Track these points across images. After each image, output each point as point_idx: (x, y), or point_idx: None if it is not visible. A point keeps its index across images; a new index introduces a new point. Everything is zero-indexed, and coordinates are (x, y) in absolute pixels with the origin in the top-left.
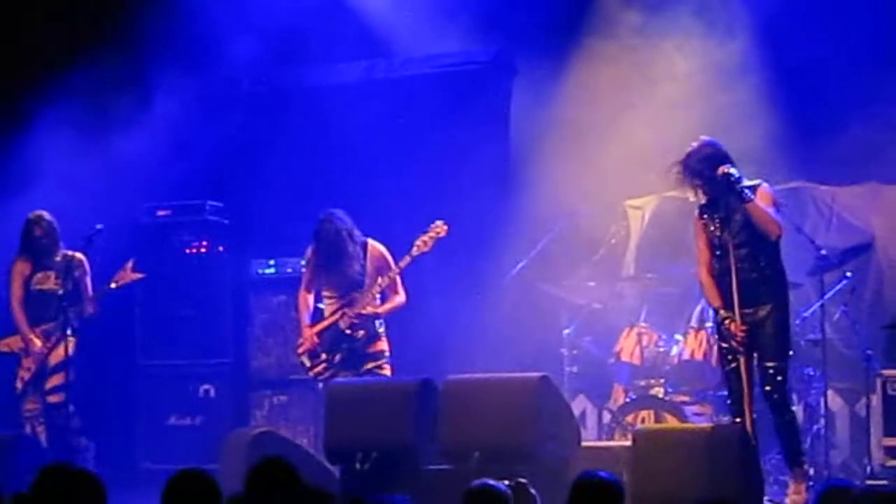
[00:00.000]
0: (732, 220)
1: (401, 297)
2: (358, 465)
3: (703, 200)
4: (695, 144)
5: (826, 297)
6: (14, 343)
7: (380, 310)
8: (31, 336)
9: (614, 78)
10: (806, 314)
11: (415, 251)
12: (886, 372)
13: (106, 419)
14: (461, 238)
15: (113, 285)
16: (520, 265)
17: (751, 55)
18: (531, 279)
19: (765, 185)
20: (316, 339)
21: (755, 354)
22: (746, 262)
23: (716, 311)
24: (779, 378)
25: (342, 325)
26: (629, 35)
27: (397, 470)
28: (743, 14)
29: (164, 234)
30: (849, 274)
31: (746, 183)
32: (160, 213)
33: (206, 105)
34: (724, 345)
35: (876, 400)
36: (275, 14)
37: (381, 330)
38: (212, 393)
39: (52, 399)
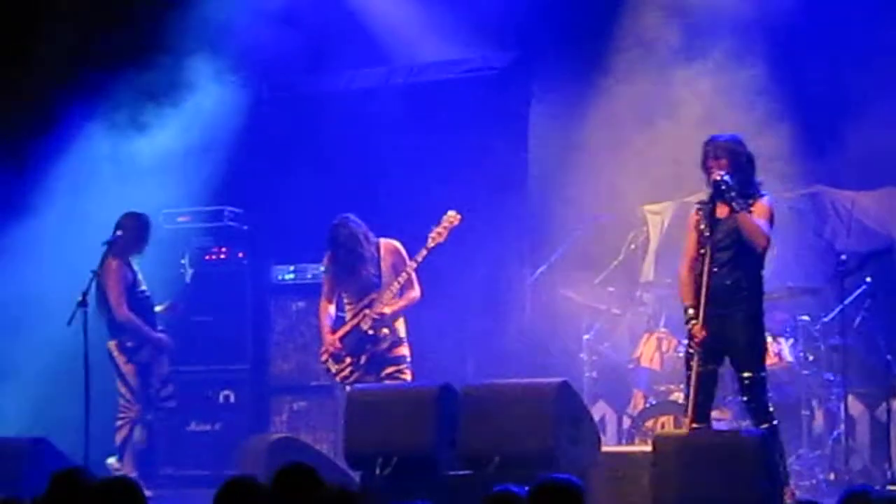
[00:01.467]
0: (722, 224)
1: (416, 293)
2: (378, 471)
3: (704, 196)
4: (725, 134)
5: (846, 302)
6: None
7: (396, 306)
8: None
9: (636, 85)
10: (826, 319)
11: (430, 243)
12: None
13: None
14: (481, 244)
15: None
16: (539, 270)
17: (771, 66)
18: (551, 284)
19: (766, 198)
20: (339, 345)
21: (727, 360)
22: (725, 267)
23: (685, 310)
24: (756, 388)
25: (364, 326)
26: (652, 48)
27: (417, 475)
28: (762, 27)
29: (183, 240)
30: (869, 279)
31: (740, 194)
32: (180, 219)
33: (227, 111)
34: (689, 348)
35: None
36: (297, 21)
37: (403, 335)
38: (231, 399)
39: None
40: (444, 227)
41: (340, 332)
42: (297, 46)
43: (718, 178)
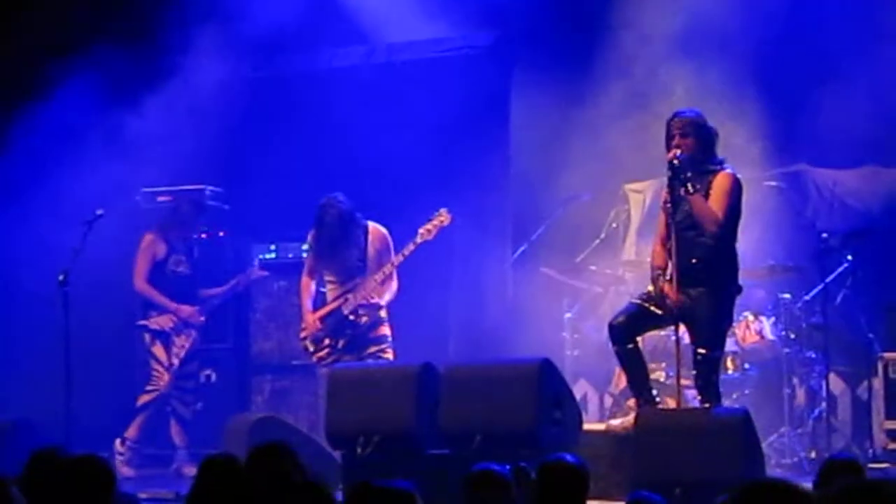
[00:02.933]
0: (683, 203)
1: (394, 285)
2: (359, 450)
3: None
4: (689, 109)
5: (828, 280)
6: (163, 321)
7: (382, 301)
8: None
9: (616, 63)
10: (807, 297)
11: (419, 239)
12: (888, 355)
13: (108, 404)
14: (462, 223)
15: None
16: (520, 249)
17: (751, 44)
18: (532, 263)
19: (727, 171)
20: (319, 325)
21: (687, 337)
22: (687, 245)
23: (652, 268)
24: (706, 366)
25: (345, 310)
26: (634, 32)
27: (399, 454)
28: (742, 11)
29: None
30: (850, 257)
31: (702, 172)
32: (160, 198)
33: (207, 90)
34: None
35: (878, 383)
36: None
37: (384, 315)
38: (213, 378)
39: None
40: (434, 225)
41: (321, 313)
42: (278, 25)
43: (674, 159)
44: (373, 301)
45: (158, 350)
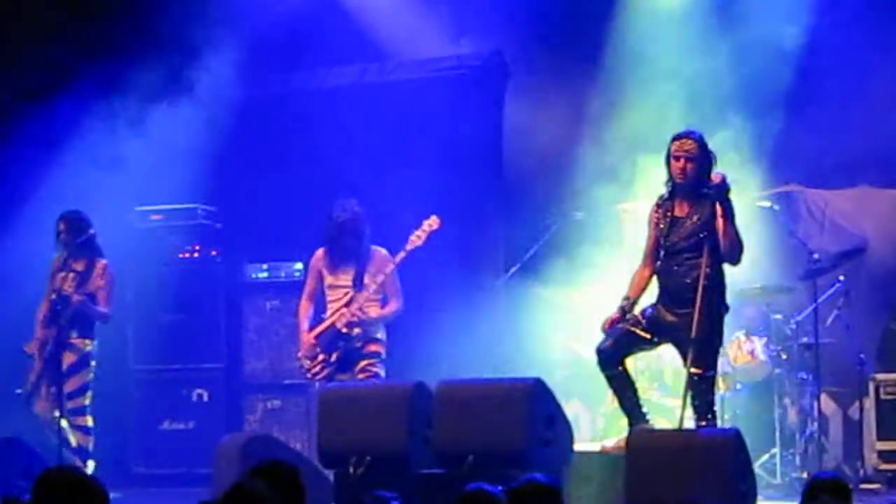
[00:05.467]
0: (681, 222)
1: (397, 304)
2: (352, 470)
3: (664, 191)
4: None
5: (819, 301)
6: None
7: (377, 315)
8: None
9: (608, 83)
10: (799, 318)
11: (409, 246)
12: (880, 376)
13: (99, 423)
14: (454, 242)
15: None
16: (513, 269)
17: (745, 67)
18: (524, 283)
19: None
20: (314, 341)
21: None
22: (684, 266)
23: (625, 298)
24: (702, 385)
25: (339, 324)
26: (629, 53)
27: (391, 474)
28: (734, 29)
29: (156, 238)
30: (842, 278)
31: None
32: (153, 217)
33: (200, 109)
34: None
35: (869, 404)
36: (268, 18)
37: (380, 335)
38: (205, 398)
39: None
40: (424, 231)
41: (317, 331)
42: (270, 45)
43: (724, 181)
44: (366, 316)
45: None
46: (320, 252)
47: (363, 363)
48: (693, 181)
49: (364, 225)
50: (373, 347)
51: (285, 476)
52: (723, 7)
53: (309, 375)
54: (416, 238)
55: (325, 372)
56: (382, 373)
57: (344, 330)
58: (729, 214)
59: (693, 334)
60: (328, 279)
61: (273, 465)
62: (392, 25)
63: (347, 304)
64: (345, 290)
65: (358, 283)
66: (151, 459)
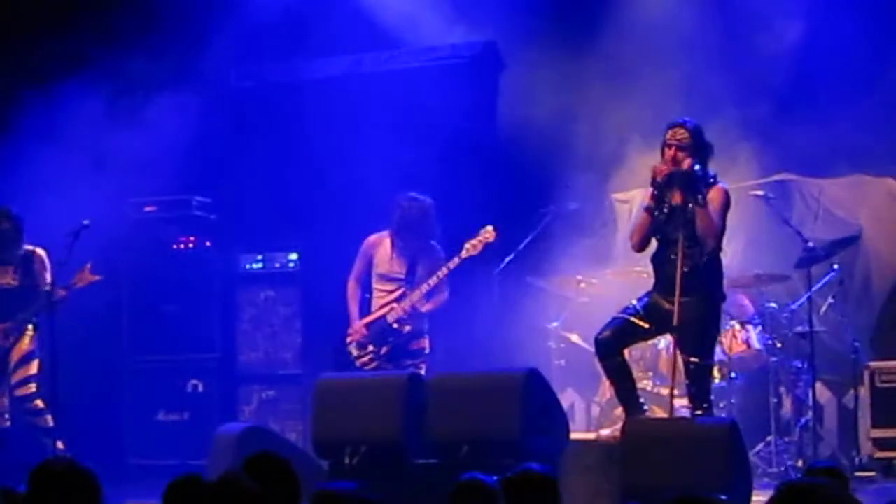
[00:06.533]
0: (677, 212)
1: (445, 295)
2: (347, 460)
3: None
4: (691, 120)
5: (814, 289)
6: None
7: (425, 308)
8: None
9: (601, 74)
10: (794, 307)
11: (464, 254)
12: (874, 364)
13: (93, 415)
14: (448, 232)
15: (73, 285)
16: (507, 259)
17: (739, 53)
18: (519, 273)
19: (719, 185)
20: (365, 331)
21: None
22: (680, 254)
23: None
24: (700, 374)
25: (390, 318)
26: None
27: (386, 464)
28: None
29: (151, 230)
30: (836, 266)
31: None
32: (147, 208)
33: (194, 100)
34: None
35: (864, 392)
36: (262, 9)
37: (425, 328)
38: (200, 388)
39: (20, 392)
40: (480, 241)
41: (367, 319)
42: (264, 35)
43: (690, 167)
44: (418, 311)
45: None
46: (376, 238)
47: (408, 362)
48: (683, 176)
49: (436, 225)
50: (419, 343)
51: (278, 467)
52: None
53: (358, 364)
54: (472, 247)
55: (374, 364)
56: (424, 371)
57: (395, 326)
58: (692, 199)
59: (690, 323)
60: (381, 267)
61: (265, 456)
62: (387, 14)
63: (398, 299)
64: (397, 284)
65: (411, 279)
66: (146, 451)
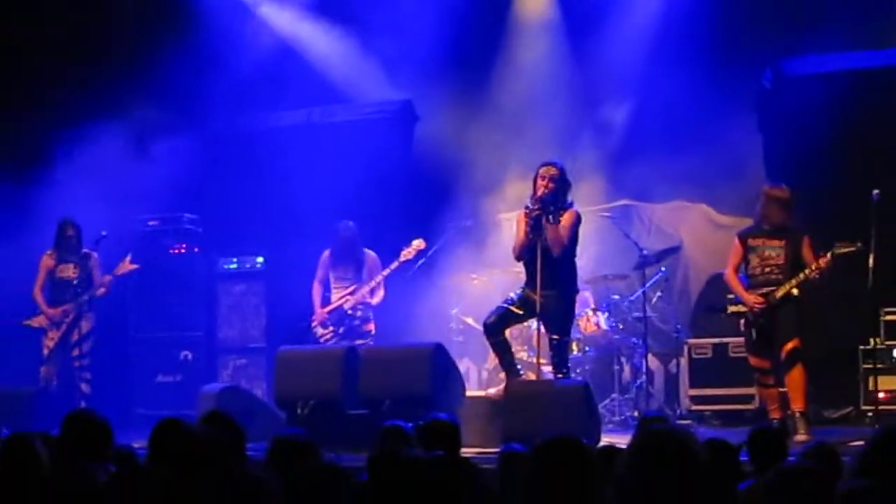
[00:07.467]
0: (543, 229)
1: (381, 293)
2: (299, 411)
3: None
4: (557, 161)
5: (647, 285)
6: (41, 320)
7: (372, 302)
8: (51, 311)
9: (491, 121)
10: (632, 298)
11: (401, 258)
12: (691, 341)
13: (109, 377)
14: (376, 245)
15: (116, 273)
16: (420, 261)
17: (594, 104)
18: (429, 273)
19: (572, 209)
20: (325, 316)
21: (543, 327)
22: (547, 260)
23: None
24: (560, 347)
25: (346, 306)
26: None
27: (329, 414)
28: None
29: (153, 239)
30: (663, 269)
31: (557, 207)
32: (150, 222)
33: (185, 142)
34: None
35: (684, 361)
36: (237, 71)
37: (371, 315)
38: (189, 357)
39: (79, 363)
40: (413, 249)
41: (329, 308)
42: (241, 92)
43: (544, 195)
44: (365, 302)
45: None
46: (327, 253)
47: (359, 341)
48: (552, 197)
49: (360, 240)
50: (368, 327)
51: (225, 421)
52: (574, 50)
53: (321, 340)
54: (407, 254)
55: (333, 340)
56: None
57: (350, 311)
58: (552, 221)
59: (552, 309)
60: (334, 272)
61: (216, 413)
62: (334, 74)
63: (352, 293)
64: (350, 282)
65: (358, 278)
66: (149, 403)
